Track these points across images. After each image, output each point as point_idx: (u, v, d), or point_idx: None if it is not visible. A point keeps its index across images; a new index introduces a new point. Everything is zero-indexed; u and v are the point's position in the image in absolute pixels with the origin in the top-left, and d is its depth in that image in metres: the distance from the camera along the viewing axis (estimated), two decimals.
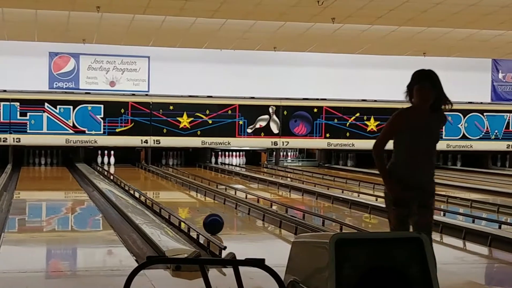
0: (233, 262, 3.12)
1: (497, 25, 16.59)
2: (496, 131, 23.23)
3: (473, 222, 9.31)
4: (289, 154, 23.69)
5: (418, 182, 4.93)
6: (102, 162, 21.34)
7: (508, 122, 23.30)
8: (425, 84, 4.86)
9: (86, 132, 20.87)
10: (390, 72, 21.45)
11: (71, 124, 20.76)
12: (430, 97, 4.88)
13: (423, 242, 3.09)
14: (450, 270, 6.29)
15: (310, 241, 3.51)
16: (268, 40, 19.37)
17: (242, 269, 3.14)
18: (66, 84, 21.09)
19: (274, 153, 22.69)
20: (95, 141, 20.95)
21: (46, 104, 20.57)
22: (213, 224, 8.25)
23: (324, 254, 3.06)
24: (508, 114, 23.33)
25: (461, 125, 22.75)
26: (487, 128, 23.16)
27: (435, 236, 8.16)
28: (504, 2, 14.42)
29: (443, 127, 5.13)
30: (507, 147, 23.31)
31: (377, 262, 3.04)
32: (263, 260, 2.96)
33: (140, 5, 14.96)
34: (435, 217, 8.89)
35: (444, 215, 10.00)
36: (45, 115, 20.55)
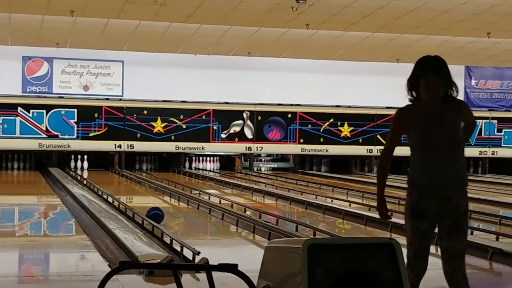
0: (206, 267, 3.12)
1: (470, 32, 16.75)
2: None
3: None
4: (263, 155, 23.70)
5: (437, 186, 4.14)
6: (75, 167, 21.21)
7: (481, 129, 23.53)
8: (432, 77, 4.12)
9: (59, 136, 20.73)
10: (364, 78, 21.59)
11: (44, 129, 20.62)
12: (439, 90, 4.15)
13: (395, 248, 3.11)
14: (424, 276, 6.31)
15: (283, 246, 3.52)
16: (243, 46, 19.39)
17: (215, 274, 3.14)
18: (39, 88, 20.94)
19: (249, 158, 22.70)
20: (69, 146, 20.82)
21: (19, 108, 20.41)
22: (154, 217, 9.42)
23: (297, 259, 3.07)
24: (481, 120, 23.56)
25: None
26: None
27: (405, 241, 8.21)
28: (477, 9, 14.57)
29: (467, 117, 4.29)
30: (479, 153, 23.51)
31: (350, 267, 3.05)
32: (236, 265, 2.96)
33: (114, 10, 14.90)
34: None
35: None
36: (18, 119, 20.39)
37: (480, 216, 11.00)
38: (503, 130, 23.70)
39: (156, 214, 9.63)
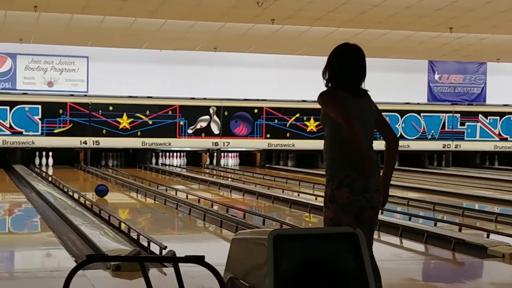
0: (173, 259, 3.15)
1: (433, 27, 16.95)
2: (433, 131, 23.72)
3: (410, 220, 9.51)
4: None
5: None
6: (40, 164, 21.03)
7: (444, 122, 23.82)
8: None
9: (24, 133, 20.54)
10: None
11: (8, 125, 20.41)
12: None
13: (358, 237, 3.18)
14: (387, 266, 6.41)
15: (248, 238, 3.56)
16: (209, 41, 19.39)
17: (183, 268, 3.17)
18: (2, 85, 20.72)
19: (215, 153, 22.69)
20: (33, 142, 20.64)
21: None
22: (100, 191, 12.55)
23: (262, 250, 3.11)
24: (444, 114, 23.84)
25: (399, 125, 23.16)
26: (423, 128, 23.63)
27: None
28: (439, 5, 14.75)
29: None
30: (443, 147, 23.82)
31: (314, 257, 3.10)
32: (203, 257, 2.99)
33: (78, 5, 14.81)
34: None
35: (381, 213, 10.17)
36: None
37: (443, 208, 11.17)
38: (466, 123, 24.02)
39: (102, 189, 12.64)
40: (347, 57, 4.16)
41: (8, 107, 20.40)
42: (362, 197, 3.95)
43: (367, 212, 3.99)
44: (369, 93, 4.23)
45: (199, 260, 2.98)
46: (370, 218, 4.01)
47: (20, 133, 20.52)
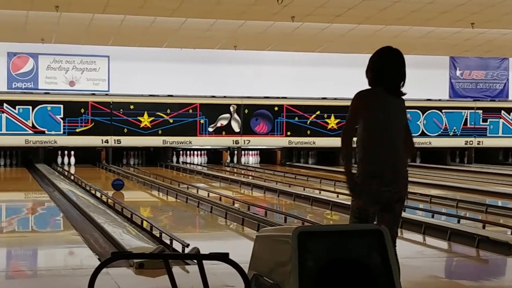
0: (197, 256, 3.15)
1: (454, 22, 16.84)
2: (455, 127, 23.57)
3: (433, 217, 9.45)
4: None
5: None
6: (62, 163, 21.14)
7: (466, 119, 23.66)
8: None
9: (46, 132, 20.67)
10: (349, 70, 21.62)
11: (30, 125, 20.55)
12: None
13: (383, 234, 3.16)
14: (411, 264, 6.38)
15: (272, 235, 3.55)
16: (229, 39, 19.39)
17: (205, 266, 3.17)
18: (25, 84, 20.87)
19: (236, 151, 22.70)
20: (55, 141, 20.76)
21: (5, 104, 20.33)
22: (116, 185, 13.48)
23: (286, 248, 3.10)
24: (466, 110, 23.68)
25: (420, 122, 23.03)
26: (445, 124, 23.49)
27: None
28: (461, 0, 14.65)
29: None
30: (465, 144, 23.66)
31: (339, 254, 3.09)
32: (227, 254, 2.99)
33: (99, 4, 14.87)
34: None
35: (404, 210, 10.12)
36: (4, 115, 20.31)
37: (466, 205, 11.10)
38: (488, 120, 23.84)
39: (118, 183, 13.63)
40: (382, 61, 4.45)
41: (30, 107, 20.53)
42: (392, 188, 4.25)
43: (395, 204, 4.30)
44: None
45: (223, 257, 2.98)
46: (399, 210, 4.33)
47: (43, 133, 20.65)
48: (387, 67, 4.42)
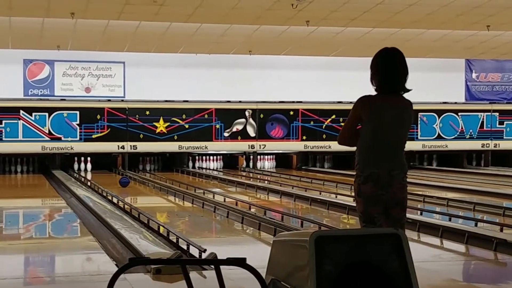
0: (215, 262, 3.14)
1: (470, 25, 16.77)
2: (471, 130, 23.45)
3: (450, 220, 9.40)
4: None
5: None
6: (79, 169, 21.23)
7: (483, 122, 23.53)
8: None
9: (62, 139, 20.76)
10: (365, 74, 21.54)
11: (46, 131, 20.65)
12: None
13: (401, 238, 3.14)
14: (428, 267, 6.36)
15: (289, 240, 3.55)
16: (244, 44, 19.42)
17: (222, 271, 3.17)
18: (41, 91, 20.99)
19: (251, 156, 22.68)
20: (72, 148, 20.85)
21: (21, 111, 20.44)
22: (122, 183, 15.51)
23: (304, 252, 3.10)
24: (482, 113, 23.56)
25: (436, 125, 22.93)
26: (461, 127, 23.38)
27: (413, 234, 8.26)
28: (476, 2, 14.60)
29: None
30: (481, 146, 23.54)
31: (356, 258, 3.08)
32: (244, 259, 2.98)
33: (114, 11, 14.94)
34: (413, 216, 8.99)
35: (421, 214, 10.10)
36: (20, 122, 20.42)
37: (483, 208, 11.03)
38: (505, 122, 23.70)
39: (124, 181, 15.65)
40: (380, 62, 4.60)
41: (47, 114, 20.63)
42: (386, 191, 4.26)
43: (393, 209, 4.29)
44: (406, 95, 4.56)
45: (241, 262, 2.97)
46: (397, 214, 4.30)
47: (59, 139, 20.74)
48: (383, 67, 4.54)
